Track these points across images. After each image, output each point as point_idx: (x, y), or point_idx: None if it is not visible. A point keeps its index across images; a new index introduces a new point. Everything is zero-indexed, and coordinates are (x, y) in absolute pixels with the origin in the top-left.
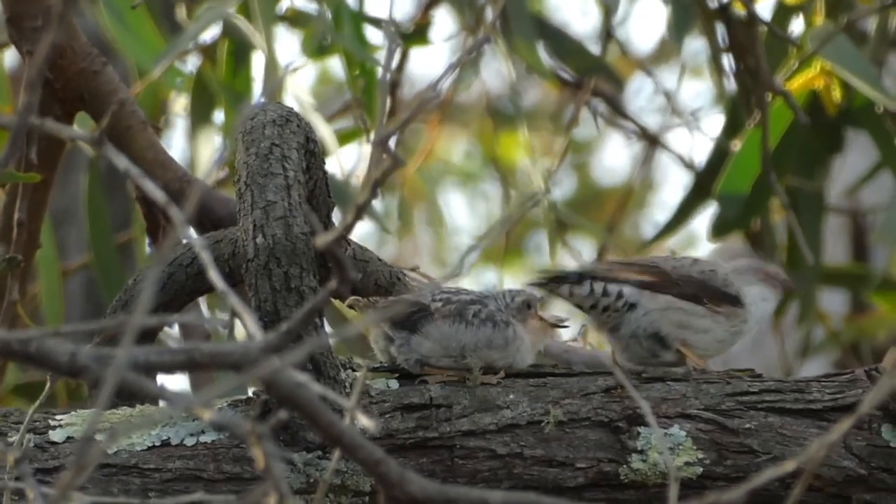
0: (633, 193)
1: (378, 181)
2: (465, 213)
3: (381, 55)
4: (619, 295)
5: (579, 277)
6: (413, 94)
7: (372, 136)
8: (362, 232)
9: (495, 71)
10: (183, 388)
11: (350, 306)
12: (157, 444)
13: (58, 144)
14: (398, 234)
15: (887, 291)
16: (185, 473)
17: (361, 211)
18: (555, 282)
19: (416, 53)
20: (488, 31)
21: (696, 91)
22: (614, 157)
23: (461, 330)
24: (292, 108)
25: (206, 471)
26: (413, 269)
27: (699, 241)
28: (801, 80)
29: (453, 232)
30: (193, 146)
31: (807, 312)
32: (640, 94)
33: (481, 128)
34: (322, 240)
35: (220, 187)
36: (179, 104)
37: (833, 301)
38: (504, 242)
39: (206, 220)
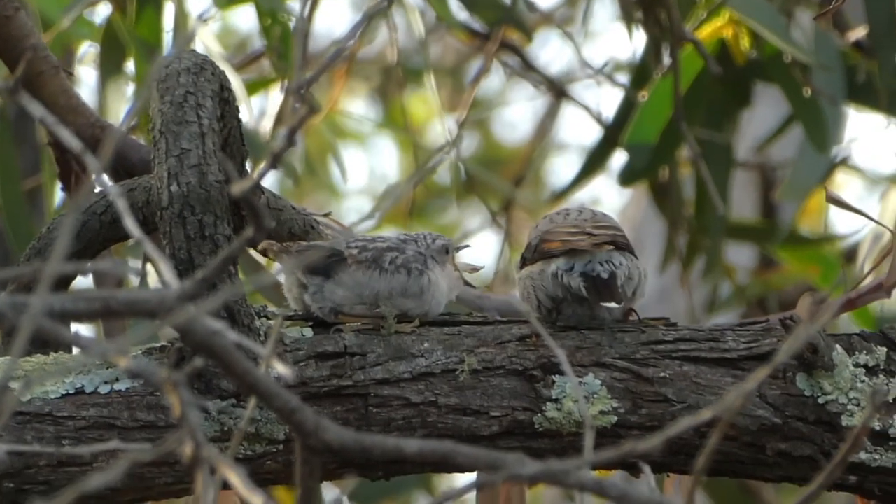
0: (540, 148)
1: (294, 128)
2: (360, 169)
3: (291, 5)
4: (640, 271)
5: (610, 275)
6: (317, 46)
7: (286, 84)
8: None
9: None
10: (93, 335)
11: (263, 251)
12: (71, 391)
13: None
14: (297, 187)
15: (794, 246)
16: (99, 421)
17: (277, 158)
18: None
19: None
20: None
21: (603, 41)
22: (515, 112)
23: (375, 277)
24: (207, 57)
25: (121, 419)
26: (325, 215)
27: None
28: (709, 30)
29: (351, 190)
30: (103, 96)
31: (713, 266)
32: (546, 46)
33: (382, 82)
34: (238, 188)
35: (132, 134)
36: (89, 57)
37: (741, 255)
38: (411, 198)
39: (119, 166)
